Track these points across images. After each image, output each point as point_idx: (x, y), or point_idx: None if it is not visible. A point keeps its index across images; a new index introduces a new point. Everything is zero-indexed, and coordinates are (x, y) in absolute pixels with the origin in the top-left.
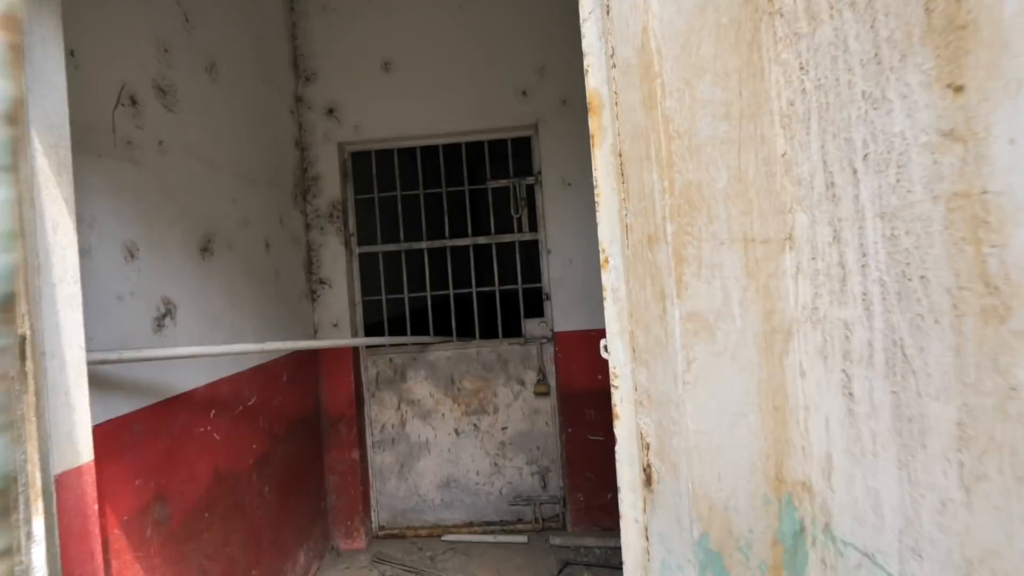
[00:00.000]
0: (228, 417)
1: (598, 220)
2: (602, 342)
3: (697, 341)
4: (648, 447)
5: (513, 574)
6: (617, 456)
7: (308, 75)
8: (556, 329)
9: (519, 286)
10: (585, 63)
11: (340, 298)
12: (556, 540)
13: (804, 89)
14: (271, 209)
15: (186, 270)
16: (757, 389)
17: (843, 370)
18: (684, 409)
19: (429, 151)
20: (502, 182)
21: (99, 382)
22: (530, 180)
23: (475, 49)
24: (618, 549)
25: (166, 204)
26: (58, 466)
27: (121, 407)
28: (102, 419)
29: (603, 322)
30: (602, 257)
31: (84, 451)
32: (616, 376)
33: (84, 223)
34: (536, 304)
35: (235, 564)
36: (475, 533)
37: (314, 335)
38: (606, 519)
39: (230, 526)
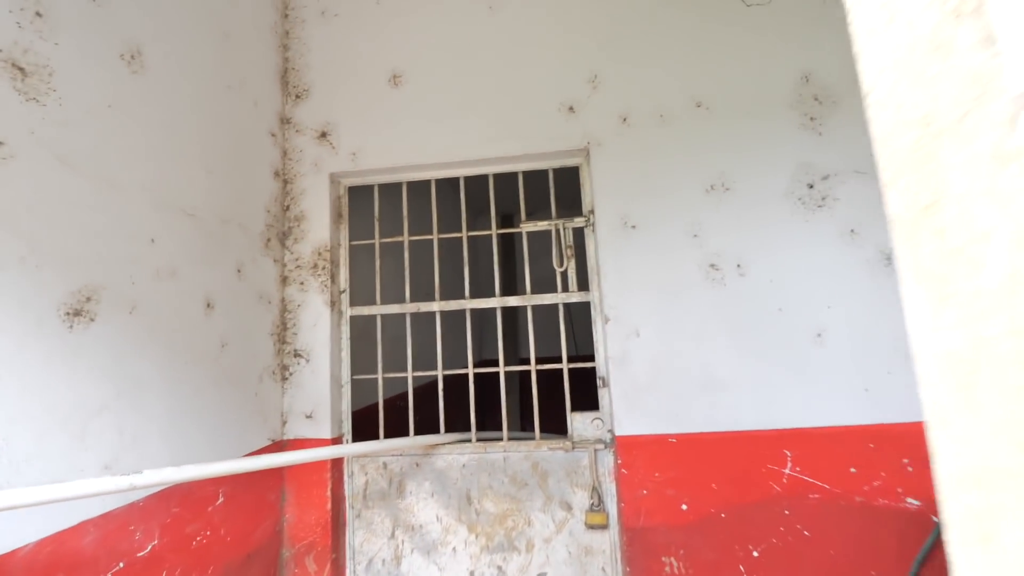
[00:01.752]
0: None
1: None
2: None
3: None
4: None
5: None
6: None
7: (299, 92)
8: (617, 431)
9: (564, 366)
10: None
11: (320, 376)
12: None
13: None
14: (223, 255)
15: (26, 348)
16: None
17: None
18: None
19: (447, 185)
20: (541, 225)
21: None
22: (579, 222)
23: (507, 53)
24: None
25: None
26: None
27: None
28: None
29: (688, 423)
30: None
31: None
32: None
33: None
34: (588, 393)
35: None
36: None
37: (281, 428)
38: None
39: None
